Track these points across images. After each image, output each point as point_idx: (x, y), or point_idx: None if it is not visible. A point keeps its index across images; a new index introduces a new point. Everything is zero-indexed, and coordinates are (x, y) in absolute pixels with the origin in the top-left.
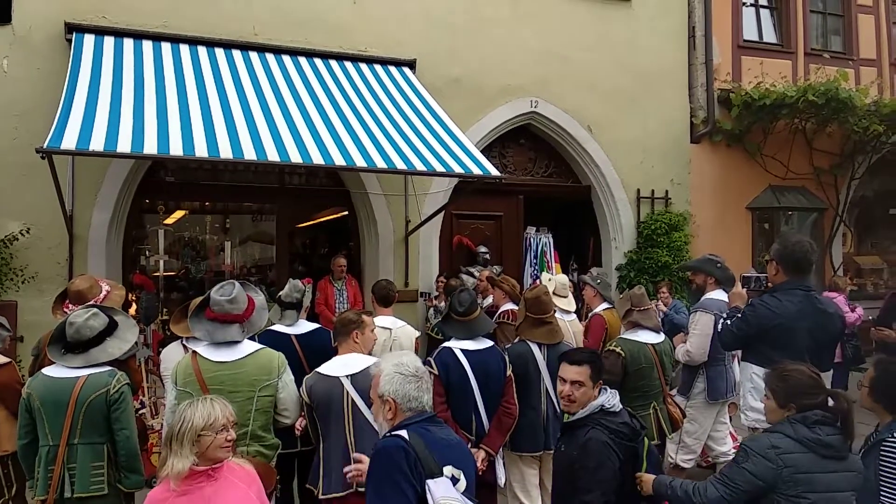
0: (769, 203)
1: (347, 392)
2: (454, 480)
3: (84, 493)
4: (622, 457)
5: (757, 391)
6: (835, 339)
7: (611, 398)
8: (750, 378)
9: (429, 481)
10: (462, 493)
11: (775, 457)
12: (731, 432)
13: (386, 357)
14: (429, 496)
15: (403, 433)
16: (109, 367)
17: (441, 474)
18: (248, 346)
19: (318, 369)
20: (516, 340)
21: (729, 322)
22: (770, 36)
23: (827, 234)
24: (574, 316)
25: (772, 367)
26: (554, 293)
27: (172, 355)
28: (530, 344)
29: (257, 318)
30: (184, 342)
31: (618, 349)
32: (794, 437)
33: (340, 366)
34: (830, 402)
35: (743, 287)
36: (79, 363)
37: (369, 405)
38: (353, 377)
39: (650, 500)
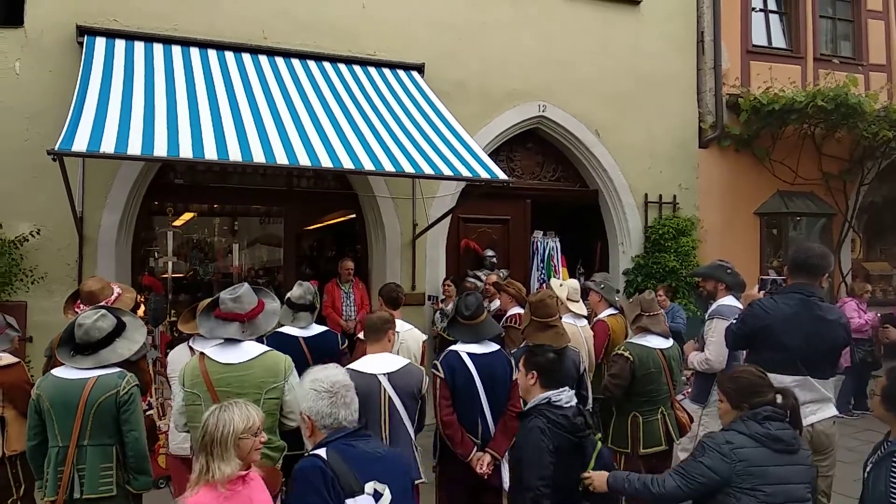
0: (777, 208)
1: (385, 389)
2: (377, 496)
3: (93, 494)
4: (554, 444)
5: None
6: (835, 347)
7: (559, 394)
8: None
9: (348, 501)
10: None
11: (729, 451)
12: None
13: (306, 373)
14: None
15: (322, 452)
16: (119, 369)
17: (362, 492)
18: (256, 349)
19: (351, 366)
20: (522, 344)
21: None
22: (779, 41)
23: (836, 240)
24: (585, 321)
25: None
26: (567, 298)
27: (179, 357)
28: None
29: (263, 321)
30: (190, 344)
31: (626, 353)
32: (747, 432)
33: (377, 363)
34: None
35: (760, 290)
36: (88, 364)
37: (405, 404)
38: (391, 375)
39: (593, 499)
